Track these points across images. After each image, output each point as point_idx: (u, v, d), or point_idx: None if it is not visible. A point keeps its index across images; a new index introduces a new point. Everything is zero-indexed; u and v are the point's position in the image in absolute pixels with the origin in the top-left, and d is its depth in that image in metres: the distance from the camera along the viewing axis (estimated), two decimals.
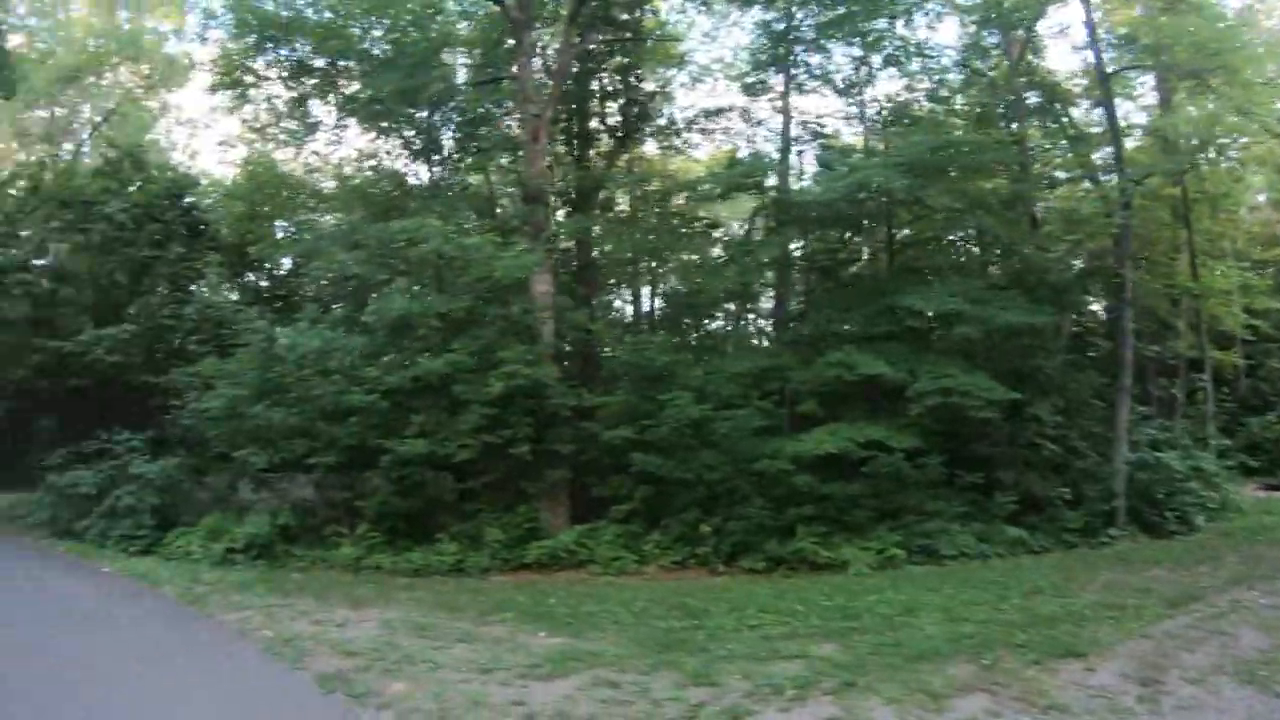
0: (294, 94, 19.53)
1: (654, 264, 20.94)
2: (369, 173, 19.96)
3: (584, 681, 7.08)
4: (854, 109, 19.29)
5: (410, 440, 13.69)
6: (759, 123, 19.86)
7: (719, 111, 20.47)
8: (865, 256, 18.96)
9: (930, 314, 15.32)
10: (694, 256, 20.92)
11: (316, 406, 14.25)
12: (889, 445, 13.76)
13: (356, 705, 6.61)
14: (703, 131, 20.81)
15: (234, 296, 20.26)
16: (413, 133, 19.01)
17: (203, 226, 20.52)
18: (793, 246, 17.97)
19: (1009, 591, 10.84)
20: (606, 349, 18.13)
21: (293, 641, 8.47)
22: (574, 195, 19.05)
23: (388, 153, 19.83)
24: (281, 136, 20.81)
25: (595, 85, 20.10)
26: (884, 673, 7.15)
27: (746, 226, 19.79)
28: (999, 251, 18.55)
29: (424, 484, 14.16)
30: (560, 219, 17.85)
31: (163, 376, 17.30)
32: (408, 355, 14.65)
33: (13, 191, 21.56)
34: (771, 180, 17.75)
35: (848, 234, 18.41)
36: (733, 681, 7.01)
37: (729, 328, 21.25)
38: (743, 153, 19.69)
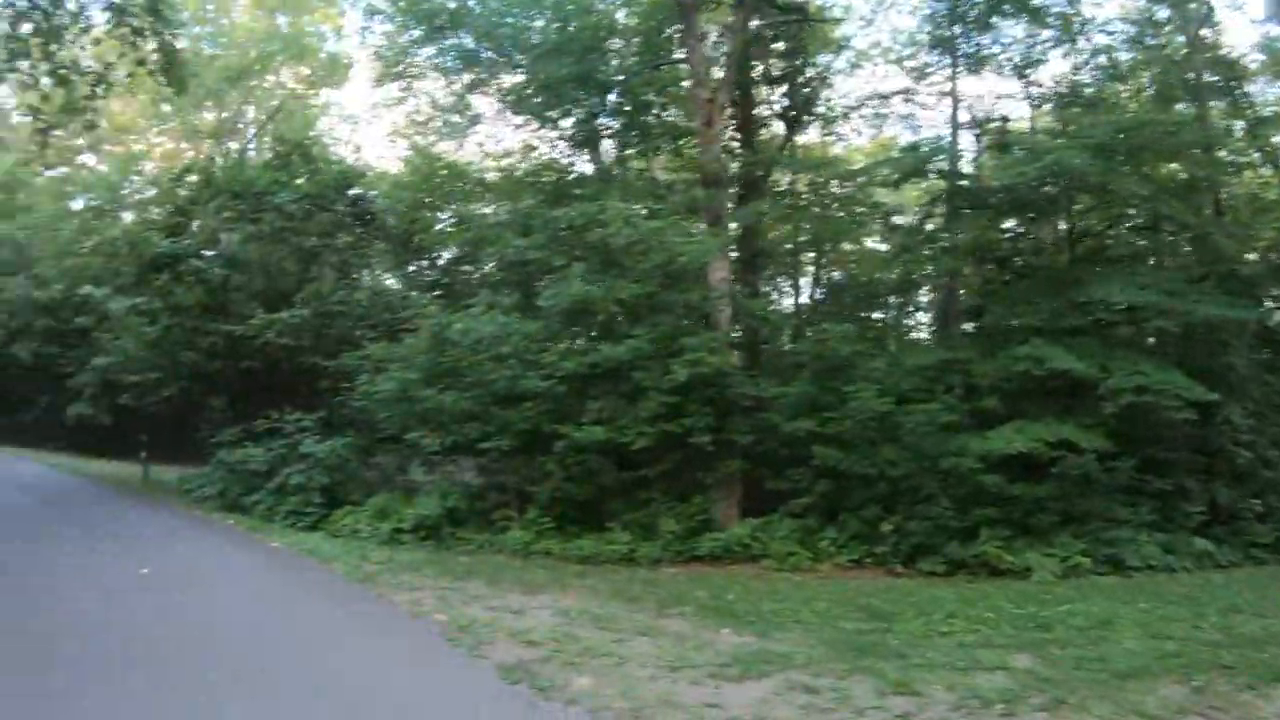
0: (455, 87, 19.68)
1: (819, 253, 20.19)
2: (532, 163, 19.87)
3: (778, 684, 6.59)
4: (1024, 90, 18.31)
5: (587, 427, 13.42)
6: (925, 107, 19.17)
7: (886, 96, 19.72)
8: (1044, 245, 17.74)
9: (1120, 307, 14.33)
10: (860, 245, 20.13)
11: (490, 391, 14.13)
12: (1079, 446, 12.86)
13: (542, 699, 6.17)
14: (875, 115, 20.08)
15: (396, 285, 20.50)
16: (574, 122, 18.86)
17: (370, 216, 20.80)
18: (965, 235, 16.93)
19: (1205, 609, 9.98)
20: (774, 339, 17.50)
21: (469, 628, 8.15)
22: (742, 182, 18.45)
23: (550, 144, 19.84)
24: (444, 129, 21.09)
25: (759, 70, 19.52)
26: (1092, 690, 6.47)
27: (919, 214, 18.81)
28: (1185, 240, 17.23)
29: (597, 471, 13.91)
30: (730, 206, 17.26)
31: (332, 360, 17.56)
32: (582, 341, 14.36)
33: (184, 189, 22.34)
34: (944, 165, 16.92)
35: (1027, 221, 17.25)
36: (935, 692, 6.43)
37: (893, 319, 20.31)
38: (905, 139, 18.90)
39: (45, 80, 14.80)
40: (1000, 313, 15.68)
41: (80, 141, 43.22)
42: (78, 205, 41.95)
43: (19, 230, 38.21)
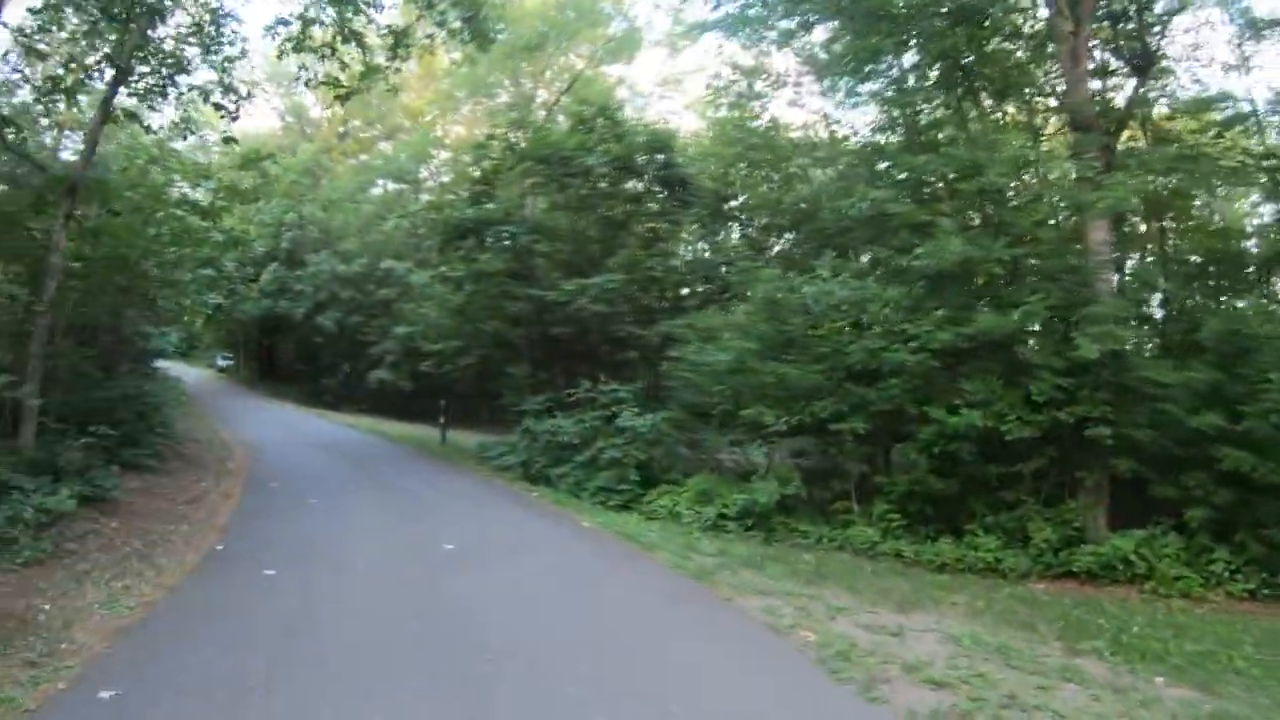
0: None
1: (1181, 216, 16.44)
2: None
3: None
4: None
5: (964, 411, 11.25)
6: None
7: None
8: None
9: None
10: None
11: (843, 364, 12.27)
12: None
13: None
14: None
15: (708, 252, 19.21)
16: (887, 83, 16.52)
17: (683, 181, 19.61)
18: None
19: None
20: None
21: (848, 655, 6.46)
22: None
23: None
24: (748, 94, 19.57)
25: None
26: None
27: None
28: None
29: (965, 463, 11.72)
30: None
31: (649, 328, 16.42)
32: (950, 309, 12.21)
33: (487, 159, 22.11)
34: None
35: None
36: None
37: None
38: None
39: (341, 46, 14.41)
40: None
41: (377, 130, 46.10)
42: (376, 190, 44.79)
43: (323, 210, 40.66)
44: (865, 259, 14.30)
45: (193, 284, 20.72)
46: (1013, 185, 12.49)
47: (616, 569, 9.70)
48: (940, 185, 13.25)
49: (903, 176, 13.29)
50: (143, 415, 15.70)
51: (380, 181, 46.12)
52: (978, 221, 13.73)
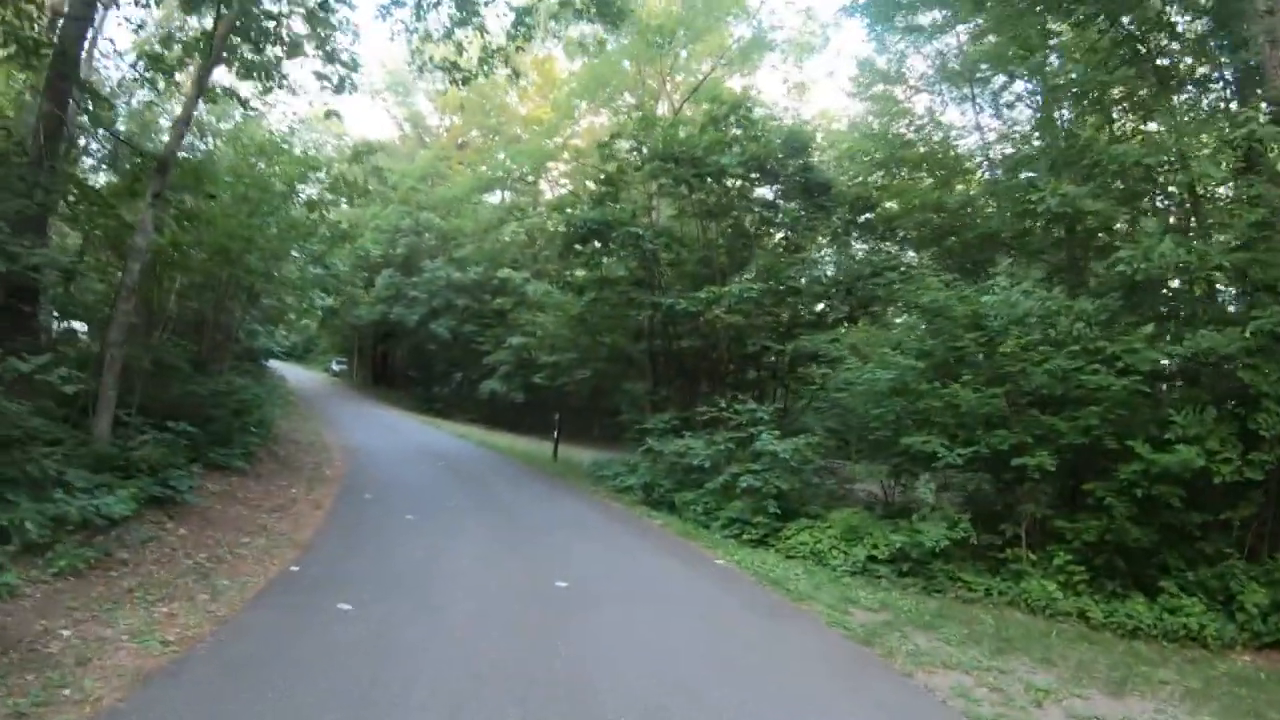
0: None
1: None
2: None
3: None
4: None
5: (1179, 448, 9.22)
6: None
7: None
8: None
9: None
10: None
11: (1026, 388, 10.40)
12: None
13: None
14: None
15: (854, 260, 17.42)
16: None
17: (822, 186, 17.92)
18: None
19: None
20: None
21: None
22: None
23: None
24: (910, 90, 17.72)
25: None
26: None
27: None
28: None
29: (1169, 509, 9.71)
30: None
31: (786, 344, 14.74)
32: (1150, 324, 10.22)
33: (613, 160, 20.77)
34: None
35: None
36: None
37: None
38: None
39: (457, 31, 13.33)
40: None
41: (495, 140, 45.69)
42: (494, 198, 44.50)
43: (441, 218, 40.37)
44: (1035, 271, 12.26)
45: (301, 281, 20.12)
46: (1224, 180, 10.37)
47: (765, 625, 8.02)
48: (1143, 181, 11.22)
49: (1094, 170, 11.21)
50: (239, 413, 14.91)
51: (498, 191, 45.93)
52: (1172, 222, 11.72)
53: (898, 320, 12.48)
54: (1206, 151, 10.42)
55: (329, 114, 14.37)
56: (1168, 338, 10.19)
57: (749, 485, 12.82)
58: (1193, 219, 11.09)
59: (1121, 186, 11.54)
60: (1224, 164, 10.11)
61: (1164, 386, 11.30)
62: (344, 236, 18.28)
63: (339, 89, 13.04)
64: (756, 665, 6.71)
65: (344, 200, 17.35)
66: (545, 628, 7.04)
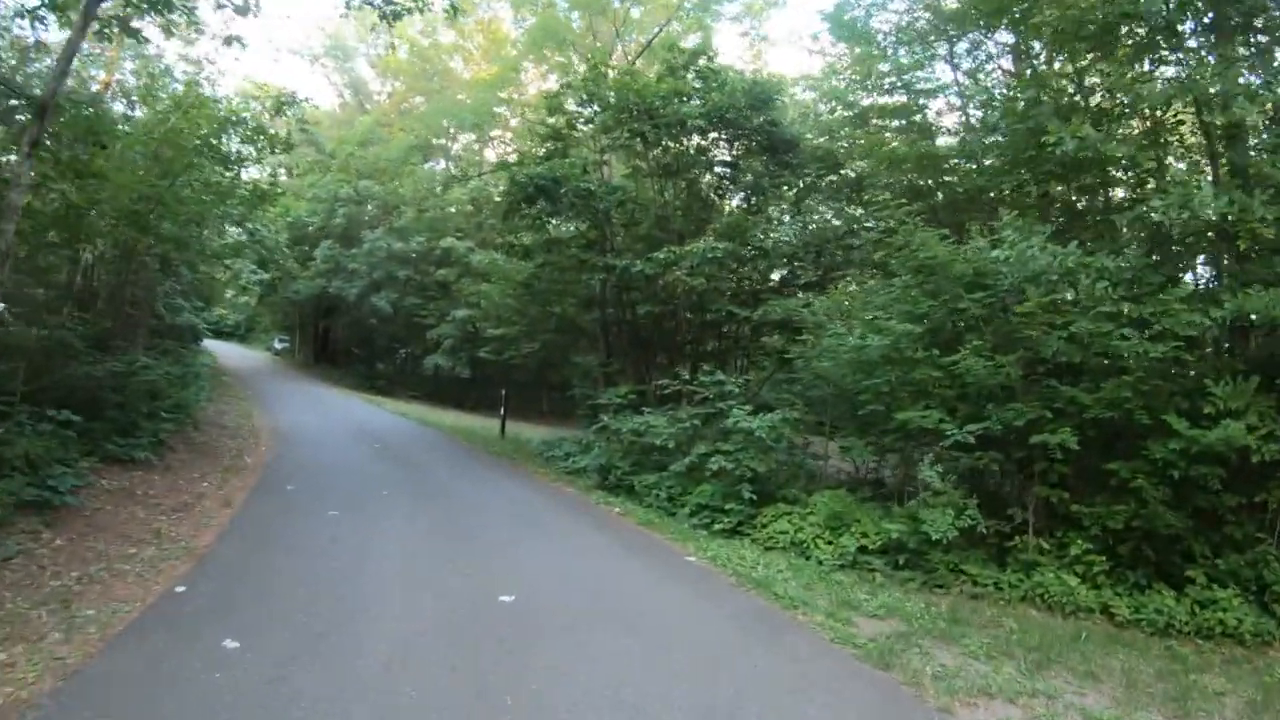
0: None
1: None
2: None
3: None
4: None
5: (1226, 423, 7.95)
6: None
7: None
8: None
9: None
10: None
11: (1047, 356, 9.07)
12: None
13: None
14: None
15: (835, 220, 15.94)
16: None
17: (788, 141, 16.45)
18: None
19: None
20: None
21: None
22: None
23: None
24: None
25: None
26: None
27: None
28: None
29: (1202, 491, 8.59)
30: None
31: (752, 310, 13.28)
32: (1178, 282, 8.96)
33: (561, 114, 18.99)
34: None
35: None
36: None
37: None
38: None
39: None
40: None
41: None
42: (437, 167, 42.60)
43: (380, 185, 38.40)
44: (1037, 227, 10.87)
45: (223, 250, 18.24)
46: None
47: (756, 645, 6.54)
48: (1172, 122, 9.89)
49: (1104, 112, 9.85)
50: (153, 397, 13.25)
51: (441, 161, 43.93)
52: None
53: (874, 284, 10.99)
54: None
55: (229, 40, 12.57)
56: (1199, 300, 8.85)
57: (721, 467, 11.34)
58: (1221, 169, 9.76)
59: (1138, 130, 10.21)
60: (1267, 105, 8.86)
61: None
62: (263, 197, 16.34)
63: (242, 9, 11.23)
64: (743, 691, 5.41)
65: (267, 152, 15.44)
66: (488, 669, 5.50)
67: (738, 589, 8.28)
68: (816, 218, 16.64)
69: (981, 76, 13.91)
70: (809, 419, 11.96)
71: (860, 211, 15.30)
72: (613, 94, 16.92)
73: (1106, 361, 9.05)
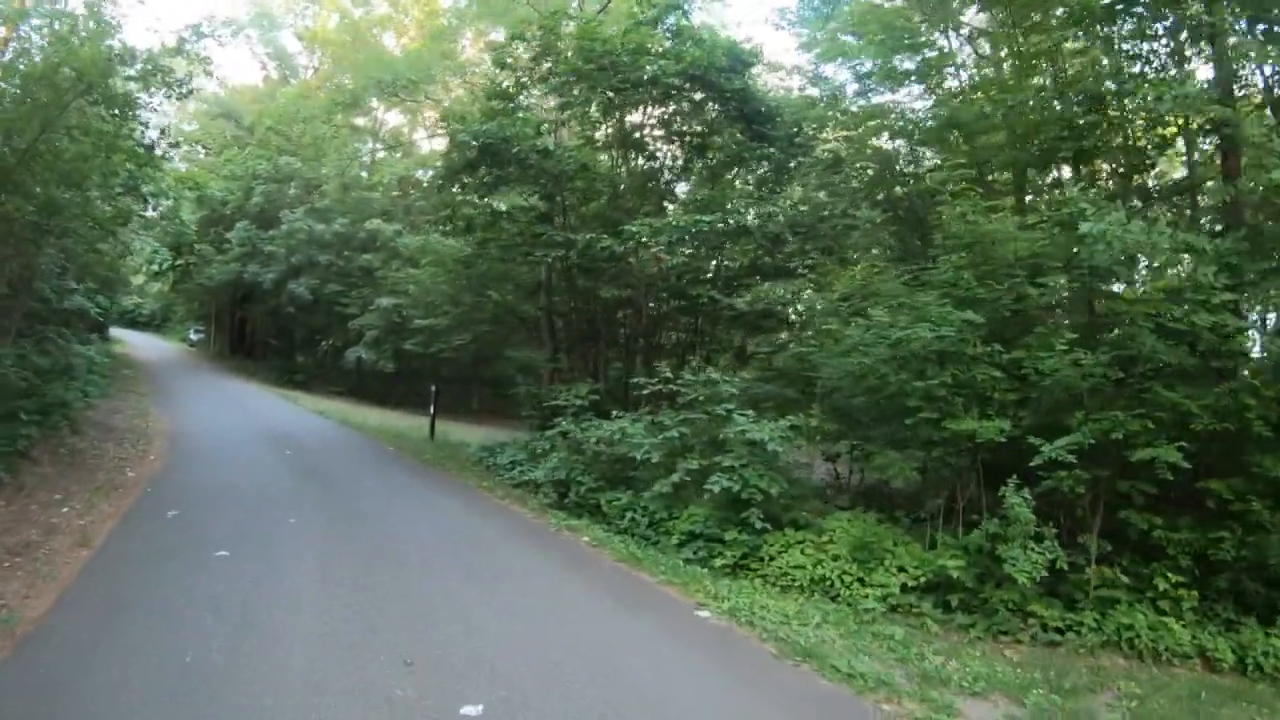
0: None
1: None
2: None
3: None
4: None
5: None
6: None
7: None
8: None
9: None
10: None
11: (1146, 354, 7.31)
12: None
13: None
14: None
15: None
16: None
17: (763, 113, 14.48)
18: None
19: None
20: None
21: None
22: None
23: None
24: None
25: None
26: None
27: None
28: None
29: None
30: None
31: (736, 295, 11.17)
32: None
33: (508, 74, 16.51)
34: None
35: None
36: None
37: None
38: None
39: None
40: None
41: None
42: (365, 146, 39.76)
43: (301, 163, 35.35)
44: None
45: (108, 216, 15.38)
46: None
47: None
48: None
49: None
50: (28, 395, 11.28)
51: (370, 141, 40.90)
52: None
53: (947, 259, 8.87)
54: None
55: None
56: None
57: (723, 486, 9.06)
58: None
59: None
60: None
61: None
62: (151, 149, 13.64)
63: None
64: None
65: (161, 89, 12.78)
66: None
67: (782, 662, 6.18)
68: (800, 192, 14.61)
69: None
70: (828, 427, 9.80)
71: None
72: (571, 48, 14.59)
73: (1215, 364, 7.23)
